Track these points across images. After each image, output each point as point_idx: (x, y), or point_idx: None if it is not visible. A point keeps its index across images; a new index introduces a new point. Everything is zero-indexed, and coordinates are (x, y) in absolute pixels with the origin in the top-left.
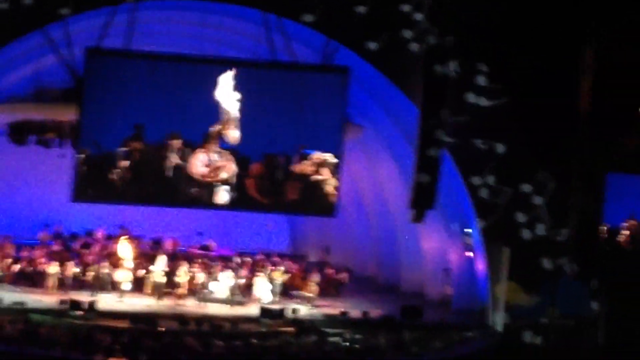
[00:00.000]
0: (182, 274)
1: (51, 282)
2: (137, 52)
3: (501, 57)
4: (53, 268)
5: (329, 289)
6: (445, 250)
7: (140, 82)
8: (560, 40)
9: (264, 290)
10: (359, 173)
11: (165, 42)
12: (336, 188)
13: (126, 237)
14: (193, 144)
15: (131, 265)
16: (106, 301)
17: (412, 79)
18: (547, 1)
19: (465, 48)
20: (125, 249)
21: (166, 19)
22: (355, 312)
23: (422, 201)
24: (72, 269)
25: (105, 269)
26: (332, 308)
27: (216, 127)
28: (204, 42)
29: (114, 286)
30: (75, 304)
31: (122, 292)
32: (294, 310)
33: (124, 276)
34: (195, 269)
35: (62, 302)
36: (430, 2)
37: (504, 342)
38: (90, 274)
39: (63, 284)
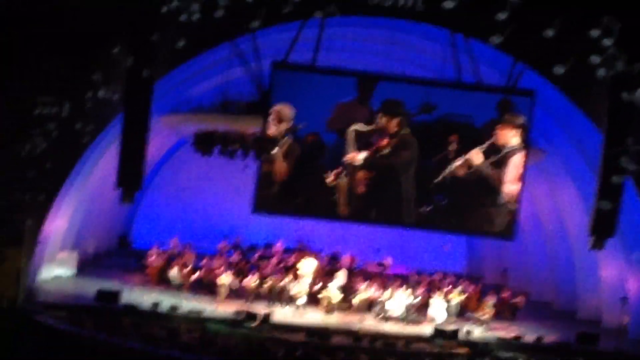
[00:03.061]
0: (359, 291)
1: (223, 291)
2: (323, 67)
3: None
4: (225, 278)
5: (504, 312)
6: (623, 279)
7: (326, 98)
8: None
9: (439, 310)
10: (539, 197)
11: (352, 59)
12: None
13: (311, 255)
14: None
15: (309, 280)
16: (282, 314)
17: (598, 105)
18: None
19: None
20: (308, 265)
21: (353, 36)
22: (529, 337)
23: (603, 228)
24: (249, 279)
25: (282, 281)
26: (507, 331)
27: None
28: (390, 60)
29: (290, 299)
30: (251, 315)
31: (298, 305)
32: (468, 332)
33: (300, 290)
34: (371, 286)
35: (238, 312)
36: (619, 27)
37: None
38: (267, 286)
39: (240, 294)
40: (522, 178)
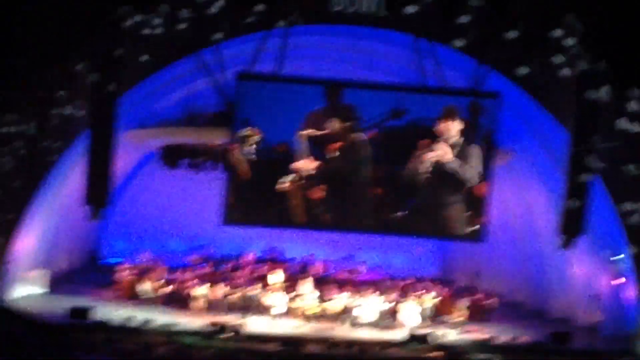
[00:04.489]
0: (331, 297)
1: (199, 304)
2: (287, 76)
3: None
4: (201, 290)
5: (477, 314)
6: (594, 277)
7: (291, 107)
8: None
9: (412, 314)
10: (508, 199)
11: (317, 67)
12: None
13: (282, 264)
14: None
15: (282, 289)
16: (255, 324)
17: (563, 104)
18: None
19: (618, 73)
20: (277, 276)
21: (317, 44)
22: (503, 338)
23: (572, 227)
24: (222, 291)
25: (254, 291)
26: (481, 333)
27: None
28: (354, 67)
29: (263, 309)
30: (224, 327)
31: (273, 315)
32: (442, 335)
33: (274, 300)
34: (344, 293)
35: (212, 324)
36: (582, 27)
37: None
38: (239, 297)
39: (213, 306)
40: (489, 178)
